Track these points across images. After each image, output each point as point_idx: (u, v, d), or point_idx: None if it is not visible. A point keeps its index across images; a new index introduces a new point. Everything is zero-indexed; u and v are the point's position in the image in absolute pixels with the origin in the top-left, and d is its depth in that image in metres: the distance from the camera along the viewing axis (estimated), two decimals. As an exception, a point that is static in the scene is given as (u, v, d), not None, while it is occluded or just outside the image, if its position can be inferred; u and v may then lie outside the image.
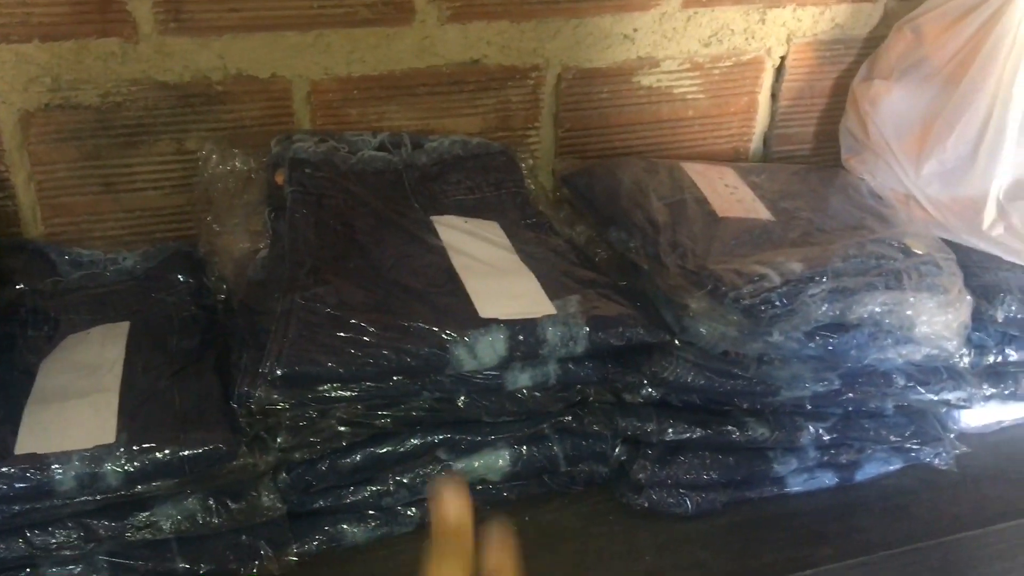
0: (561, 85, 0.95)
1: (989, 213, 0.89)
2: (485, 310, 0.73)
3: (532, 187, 0.92)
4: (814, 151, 1.08)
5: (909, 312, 0.79)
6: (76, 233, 0.88)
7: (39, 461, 0.64)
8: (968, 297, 0.82)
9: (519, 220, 0.88)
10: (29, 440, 0.66)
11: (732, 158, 1.05)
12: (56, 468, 0.64)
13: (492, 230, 0.85)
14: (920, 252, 0.84)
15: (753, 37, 0.99)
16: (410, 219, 0.83)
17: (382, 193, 0.86)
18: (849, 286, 0.77)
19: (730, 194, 0.89)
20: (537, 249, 0.84)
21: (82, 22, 0.80)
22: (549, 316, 0.74)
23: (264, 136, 0.88)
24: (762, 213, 0.87)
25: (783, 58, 1.01)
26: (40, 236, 0.87)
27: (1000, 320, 0.86)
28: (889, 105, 0.96)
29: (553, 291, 0.77)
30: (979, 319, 0.85)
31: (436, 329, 0.71)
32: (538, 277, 0.79)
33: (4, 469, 0.63)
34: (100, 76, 0.82)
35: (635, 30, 0.95)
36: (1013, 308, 0.87)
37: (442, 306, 0.74)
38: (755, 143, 1.05)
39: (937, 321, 0.80)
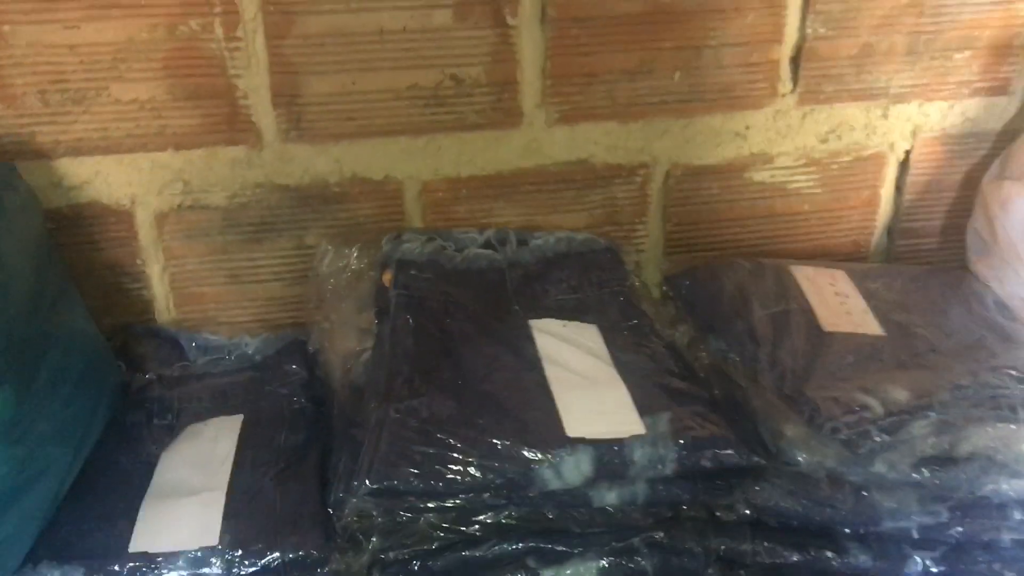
0: (669, 182, 0.95)
1: None
2: (573, 428, 0.74)
3: (636, 284, 0.92)
4: (941, 245, 1.03)
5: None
6: (204, 320, 0.94)
7: (150, 561, 0.70)
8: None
9: (619, 322, 0.88)
10: (143, 538, 0.72)
11: (852, 252, 1.02)
12: (164, 569, 0.69)
13: (590, 335, 0.85)
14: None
15: (875, 132, 0.96)
16: (508, 324, 0.85)
17: (483, 295, 0.88)
18: (958, 420, 0.74)
19: (839, 304, 0.86)
20: (634, 356, 0.84)
21: (212, 131, 0.85)
22: (638, 437, 0.74)
23: (377, 232, 0.92)
24: (872, 328, 0.84)
25: (908, 152, 0.97)
26: (171, 322, 0.94)
27: None
28: (1021, 208, 0.90)
29: (645, 406, 0.77)
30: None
31: (523, 448, 0.72)
32: (630, 390, 0.79)
33: (115, 567, 0.69)
34: (227, 180, 0.88)
35: (747, 128, 0.93)
36: None
37: (530, 421, 0.75)
38: (877, 236, 1.02)
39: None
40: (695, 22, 0.87)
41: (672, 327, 0.91)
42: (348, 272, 0.90)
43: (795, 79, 0.92)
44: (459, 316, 0.85)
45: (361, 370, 0.82)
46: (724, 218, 0.98)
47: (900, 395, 0.75)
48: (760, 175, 0.96)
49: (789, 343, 0.81)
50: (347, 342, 0.86)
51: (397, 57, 0.85)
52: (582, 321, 0.87)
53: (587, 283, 0.91)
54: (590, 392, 0.79)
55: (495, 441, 0.73)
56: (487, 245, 0.92)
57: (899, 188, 0.99)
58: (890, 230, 1.02)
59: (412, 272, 0.87)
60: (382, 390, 0.77)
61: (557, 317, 0.87)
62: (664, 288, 0.94)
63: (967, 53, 0.93)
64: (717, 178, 0.96)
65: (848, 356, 0.80)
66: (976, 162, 0.98)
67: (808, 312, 0.85)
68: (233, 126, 0.86)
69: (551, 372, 0.80)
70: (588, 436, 0.74)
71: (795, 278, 0.89)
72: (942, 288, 0.91)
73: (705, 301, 0.89)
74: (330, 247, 0.90)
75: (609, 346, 0.84)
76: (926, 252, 1.03)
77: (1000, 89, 0.95)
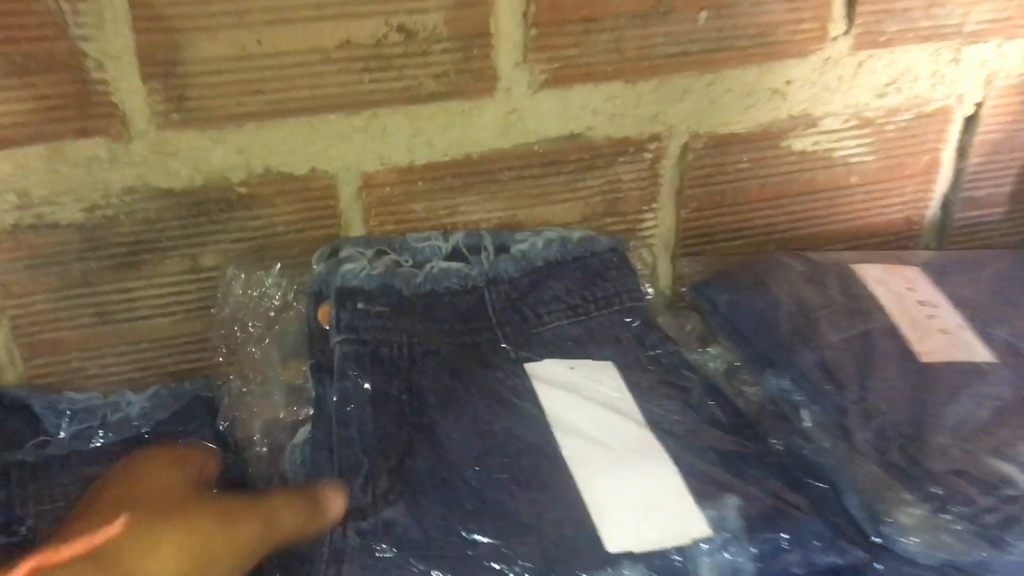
0: (688, 157, 0.72)
1: None
2: (613, 538, 0.52)
3: (650, 293, 0.70)
4: (1007, 215, 0.83)
5: None
6: (65, 376, 0.68)
7: None
8: None
9: (639, 355, 0.66)
10: None
11: (902, 230, 0.81)
12: None
13: (607, 379, 0.63)
14: None
15: (942, 81, 0.74)
16: (498, 371, 0.62)
17: (459, 329, 0.64)
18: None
19: (927, 318, 0.66)
20: (669, 407, 0.62)
21: (52, 120, 0.58)
22: (701, 540, 0.53)
23: (304, 245, 0.67)
24: (977, 352, 0.64)
25: (979, 105, 0.77)
26: (20, 381, 0.67)
27: None
28: None
29: (700, 487, 0.55)
30: None
31: (547, 578, 0.50)
32: (677, 462, 0.57)
33: None
34: (83, 186, 0.61)
35: (788, 83, 0.71)
36: None
37: (551, 532, 0.53)
38: (932, 210, 0.81)
39: None
40: (728, -58, 0.64)
41: (701, 347, 0.70)
42: (267, 305, 0.65)
43: (850, 17, 0.69)
44: (430, 367, 0.62)
45: (298, 459, 0.58)
46: (753, 199, 0.76)
47: (1041, 457, 0.56)
48: (801, 143, 0.74)
49: (881, 384, 0.60)
50: (270, 408, 0.61)
51: (321, 3, 0.59)
52: (594, 358, 0.65)
53: (591, 300, 0.68)
54: (625, 474, 0.56)
55: (506, 570, 0.51)
56: (455, 255, 0.68)
57: (962, 150, 0.79)
58: (946, 202, 0.82)
59: (360, 305, 0.63)
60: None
61: (559, 355, 0.65)
62: (689, 298, 0.72)
63: (1060, -24, 0.72)
64: (747, 149, 0.73)
65: (961, 399, 0.60)
66: (1057, 115, 0.78)
67: (894, 334, 0.64)
68: (84, 111, 0.59)
69: (568, 446, 0.57)
70: (636, 549, 0.52)
71: (864, 283, 0.68)
72: (1038, 282, 0.72)
73: (753, 321, 0.67)
74: (238, 270, 0.64)
75: (634, 393, 0.62)
76: (988, 226, 0.83)
77: (1093, 21, 0.74)
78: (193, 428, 0.66)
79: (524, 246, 0.69)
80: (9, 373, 0.67)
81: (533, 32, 0.64)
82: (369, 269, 0.64)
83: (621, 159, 0.71)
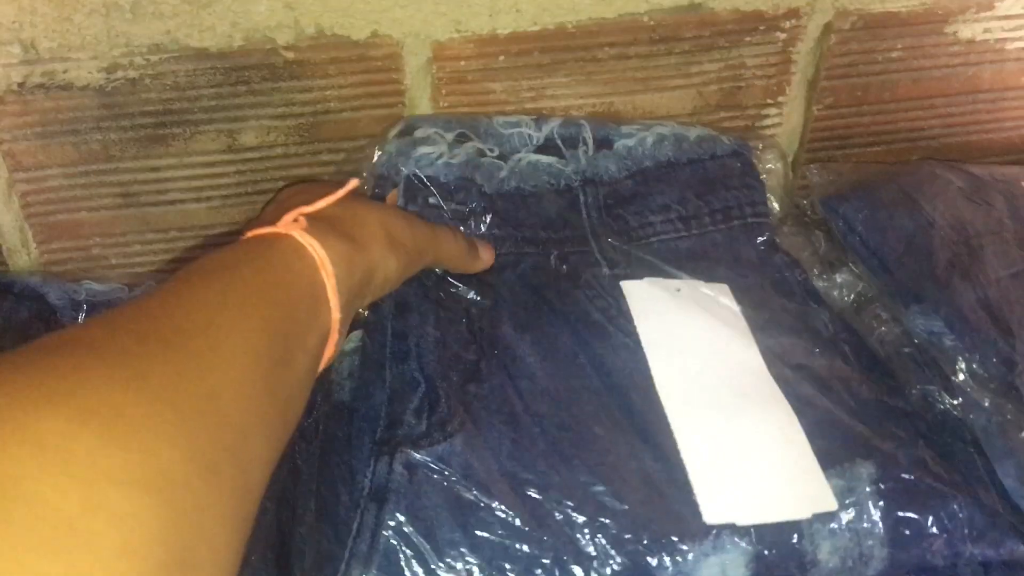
0: (829, 40, 0.59)
1: None
2: (713, 506, 0.42)
3: (776, 209, 0.58)
4: None
5: None
6: (85, 261, 0.59)
7: None
8: None
9: (762, 279, 0.54)
10: None
11: (1074, 144, 0.68)
12: None
13: (720, 305, 0.52)
14: None
15: None
16: (588, 288, 0.51)
17: (546, 237, 0.54)
18: None
19: (1119, 253, 0.53)
20: (794, 344, 0.51)
21: (62, -46, 0.48)
22: (824, 515, 0.43)
23: (362, 127, 0.56)
24: None
25: None
26: (33, 267, 0.59)
27: None
28: None
29: (827, 448, 0.45)
30: None
31: (630, 546, 0.40)
32: (800, 414, 0.46)
33: None
34: (100, 41, 0.51)
35: (968, -52, 0.57)
36: None
37: (637, 487, 0.43)
38: (1116, 121, 0.67)
39: None
40: None
41: (831, 274, 0.58)
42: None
43: None
44: (508, 280, 0.51)
45: (346, 374, 0.49)
46: (902, 96, 0.63)
47: None
48: (970, 29, 0.60)
49: (1061, 335, 0.49)
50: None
51: None
52: (706, 279, 0.54)
53: (707, 211, 0.56)
54: (733, 424, 0.46)
55: (581, 530, 0.41)
56: (548, 148, 0.57)
57: None
58: None
59: (432, 200, 0.52)
60: (385, 423, 0.45)
61: (664, 273, 0.54)
62: (818, 213, 0.60)
63: None
64: (903, 34, 0.60)
65: None
66: None
67: (1078, 272, 0.52)
68: (99, -57, 0.48)
69: (665, 385, 0.47)
70: (740, 521, 0.42)
71: (1040, 206, 0.56)
72: None
73: (899, 245, 0.55)
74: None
75: (753, 325, 0.51)
76: None
77: None
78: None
79: (631, 142, 0.57)
80: (22, 257, 0.59)
81: None
82: (448, 156, 0.53)
83: (748, 38, 0.58)
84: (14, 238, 0.58)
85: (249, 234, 0.41)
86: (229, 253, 0.39)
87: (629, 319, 0.50)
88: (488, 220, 0.53)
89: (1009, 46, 0.62)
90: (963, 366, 0.50)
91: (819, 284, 0.58)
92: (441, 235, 0.49)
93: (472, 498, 0.41)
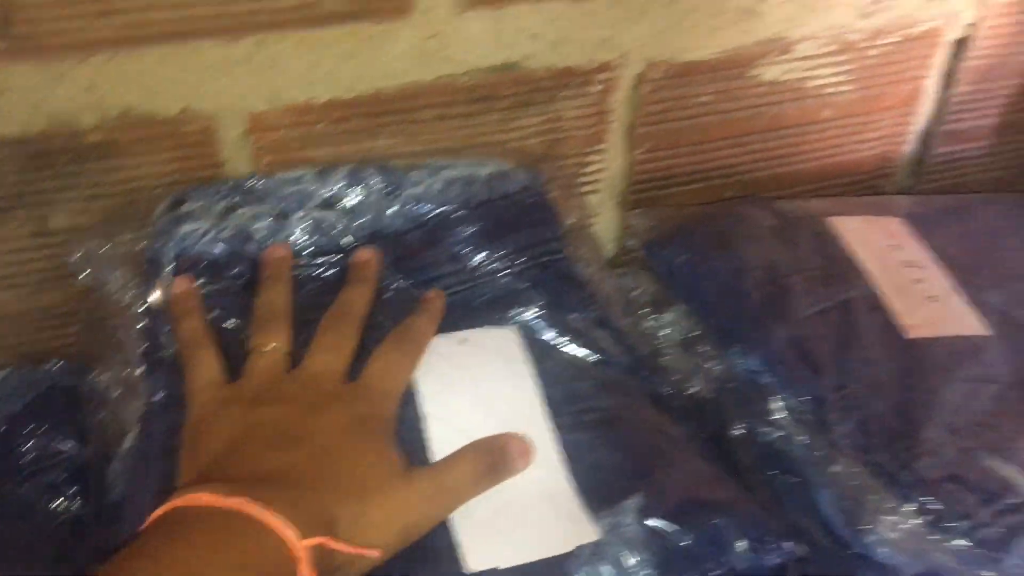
0: (643, 88, 0.61)
1: None
2: (475, 554, 0.43)
3: (588, 242, 0.59)
4: (989, 149, 0.75)
5: None
6: None
7: None
8: None
9: (555, 320, 0.54)
10: None
11: (877, 167, 0.72)
12: None
13: (505, 352, 0.51)
14: None
15: (934, -1, 0.64)
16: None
17: (329, 303, 0.52)
18: None
19: (914, 282, 0.57)
20: (580, 386, 0.50)
21: None
22: (585, 548, 0.43)
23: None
24: (970, 324, 0.55)
25: (971, 27, 0.67)
26: None
27: None
28: None
29: (596, 487, 0.46)
30: None
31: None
32: (573, 457, 0.47)
33: None
34: None
35: (762, 0, 0.60)
36: None
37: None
38: (910, 145, 0.72)
39: None
40: None
41: (658, 314, 0.60)
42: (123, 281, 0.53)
43: (836, -80, 0.58)
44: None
45: (118, 470, 0.47)
46: (714, 136, 0.66)
47: (1047, 455, 0.48)
48: (772, 71, 0.64)
49: (864, 367, 0.52)
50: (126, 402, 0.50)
51: None
52: (499, 323, 0.53)
53: (497, 258, 0.55)
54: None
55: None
56: (333, 201, 0.55)
57: (949, 77, 0.69)
58: (927, 136, 0.72)
59: (203, 282, 0.50)
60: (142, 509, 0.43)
61: (450, 327, 0.52)
62: (641, 257, 0.62)
63: None
64: (712, 79, 0.63)
65: (954, 384, 0.52)
66: (1055, 36, 0.69)
67: (876, 304, 0.55)
68: None
69: (437, 440, 0.46)
70: (503, 564, 0.43)
71: (842, 240, 0.59)
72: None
73: (716, 287, 0.57)
74: (90, 242, 0.51)
75: (540, 368, 0.51)
76: (967, 161, 0.75)
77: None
78: (47, 420, 0.55)
79: (419, 189, 0.56)
80: None
81: (457, -63, 0.51)
82: (216, 230, 0.52)
83: (564, 93, 0.60)
84: None
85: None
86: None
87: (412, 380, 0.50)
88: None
89: (807, 84, 0.65)
90: (779, 404, 0.53)
91: (649, 324, 0.60)
92: (452, 476, 0.44)
93: None
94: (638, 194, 0.67)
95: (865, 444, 0.50)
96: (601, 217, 0.67)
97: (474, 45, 0.55)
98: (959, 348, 0.54)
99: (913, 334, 0.54)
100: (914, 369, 0.52)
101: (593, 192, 0.66)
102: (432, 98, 0.57)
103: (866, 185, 0.73)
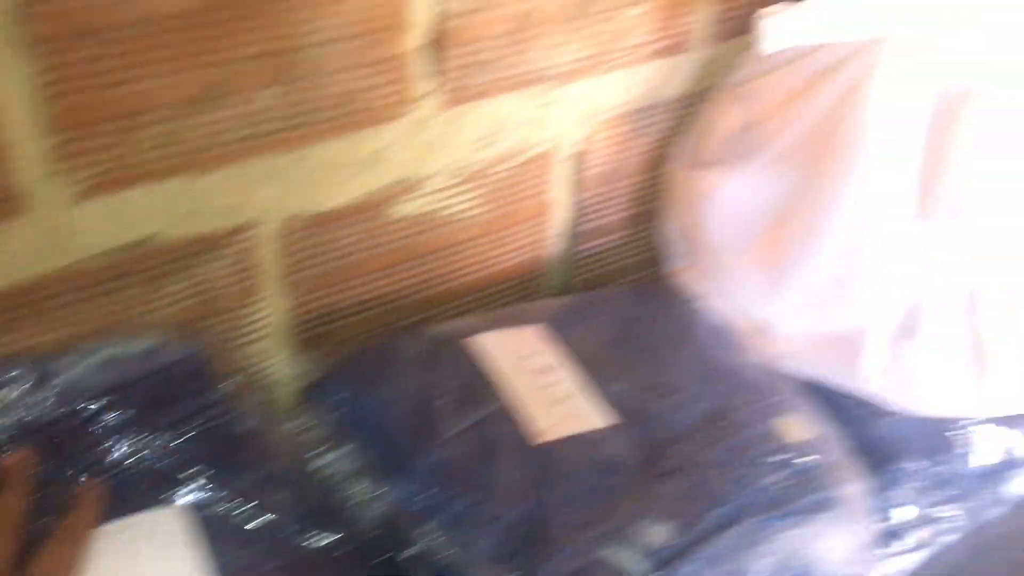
0: (287, 240, 0.65)
1: (871, 353, 0.69)
2: None
3: (257, 393, 0.62)
4: (626, 239, 0.84)
5: (805, 551, 0.59)
6: None
7: None
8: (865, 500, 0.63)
9: (223, 486, 0.55)
10: None
11: (530, 270, 0.80)
12: None
13: (169, 541, 0.52)
14: (795, 440, 0.64)
15: (538, 127, 0.72)
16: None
17: None
18: (730, 545, 0.56)
19: (544, 387, 0.64)
20: (246, 553, 0.53)
21: None
22: None
23: None
24: (592, 418, 0.62)
25: (584, 142, 0.75)
26: None
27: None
28: (724, 202, 0.73)
29: None
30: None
31: None
32: None
33: None
34: None
35: (382, 149, 0.66)
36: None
37: None
38: (554, 247, 0.80)
39: (837, 546, 0.61)
40: (281, 14, 0.57)
41: (326, 452, 0.64)
42: None
43: (436, 75, 0.65)
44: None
45: None
46: (368, 271, 0.71)
47: (657, 532, 0.56)
48: (406, 207, 0.70)
49: (499, 479, 0.58)
50: None
51: None
52: (160, 506, 0.54)
53: (155, 436, 0.56)
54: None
55: None
56: None
57: (577, 185, 0.78)
58: (572, 235, 0.81)
59: None
60: None
61: (116, 513, 0.52)
62: (307, 400, 0.66)
63: (640, 9, 0.71)
64: (351, 222, 0.68)
65: (574, 479, 0.58)
66: (654, 138, 0.79)
67: (508, 416, 0.61)
68: None
69: None
70: None
71: (479, 359, 0.65)
72: (655, 322, 0.72)
73: (372, 421, 0.62)
74: None
75: (211, 544, 0.52)
76: (611, 251, 0.84)
77: (678, 47, 0.75)
78: None
79: (71, 375, 0.57)
80: None
81: (59, 139, 0.53)
82: None
83: (203, 258, 0.63)
84: None
85: None
86: None
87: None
88: None
89: (443, 213, 0.72)
90: (432, 526, 0.57)
91: (319, 464, 0.64)
92: None
93: None
94: (307, 333, 0.71)
95: (509, 552, 0.55)
96: (275, 361, 0.70)
97: (99, 230, 0.58)
98: (580, 443, 0.61)
99: (541, 439, 0.60)
100: (541, 473, 0.58)
101: (262, 339, 0.69)
102: (61, 286, 0.58)
103: (520, 288, 0.80)
